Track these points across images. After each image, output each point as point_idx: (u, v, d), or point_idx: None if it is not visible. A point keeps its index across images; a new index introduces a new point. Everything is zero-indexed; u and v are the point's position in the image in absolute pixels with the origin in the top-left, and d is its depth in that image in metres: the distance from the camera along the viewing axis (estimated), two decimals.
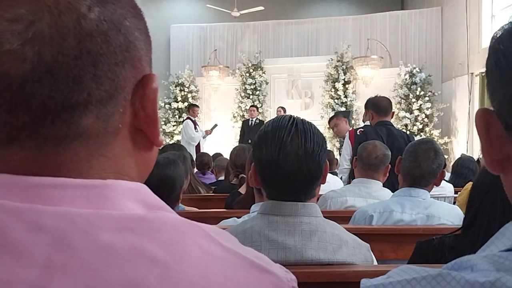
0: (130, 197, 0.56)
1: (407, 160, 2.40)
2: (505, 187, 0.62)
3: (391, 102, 4.55)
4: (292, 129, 1.42)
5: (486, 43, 9.16)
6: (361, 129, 4.32)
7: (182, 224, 0.56)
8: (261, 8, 11.94)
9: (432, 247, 1.76)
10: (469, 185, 3.98)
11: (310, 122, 1.49)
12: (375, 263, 1.57)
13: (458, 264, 0.55)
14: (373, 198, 2.86)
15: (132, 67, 0.58)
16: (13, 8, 0.51)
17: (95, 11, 0.54)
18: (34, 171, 0.53)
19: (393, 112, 4.54)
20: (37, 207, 0.50)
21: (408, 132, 10.37)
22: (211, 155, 6.27)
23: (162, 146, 4.73)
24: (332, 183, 3.89)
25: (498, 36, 0.60)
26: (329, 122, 5.25)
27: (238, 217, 2.21)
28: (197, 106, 10.67)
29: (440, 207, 2.37)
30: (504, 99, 0.57)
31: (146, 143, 0.62)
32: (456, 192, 4.12)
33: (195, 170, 5.84)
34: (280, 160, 1.40)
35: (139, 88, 0.59)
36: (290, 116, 1.47)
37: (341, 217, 2.62)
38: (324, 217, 1.47)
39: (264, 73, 12.08)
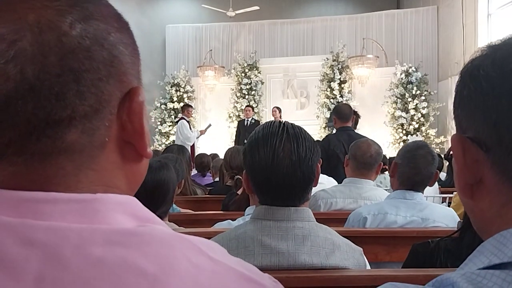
0: (120, 210, 0.57)
1: (406, 166, 2.37)
2: (469, 213, 0.65)
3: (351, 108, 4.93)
4: (283, 135, 1.42)
5: (482, 42, 9.18)
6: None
7: (171, 237, 0.56)
8: (257, 8, 11.94)
9: (428, 250, 1.75)
10: None
11: (300, 126, 1.49)
12: (368, 267, 1.57)
13: (439, 282, 0.56)
14: (363, 199, 2.88)
15: (117, 81, 0.58)
16: None
17: (77, 28, 0.54)
18: (23, 185, 0.54)
19: (354, 118, 4.93)
20: (29, 222, 0.51)
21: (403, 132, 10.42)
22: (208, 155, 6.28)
23: (167, 147, 4.75)
24: (326, 184, 3.87)
25: (474, 64, 0.61)
26: None
27: (233, 219, 2.21)
28: (192, 107, 10.67)
29: (435, 209, 2.37)
30: (484, 124, 0.58)
31: (135, 155, 0.62)
32: (451, 192, 4.14)
33: (194, 171, 5.85)
34: (274, 167, 1.40)
35: (125, 102, 0.59)
36: (280, 122, 1.48)
37: (335, 219, 2.63)
38: (317, 219, 1.47)
39: (259, 73, 12.08)
